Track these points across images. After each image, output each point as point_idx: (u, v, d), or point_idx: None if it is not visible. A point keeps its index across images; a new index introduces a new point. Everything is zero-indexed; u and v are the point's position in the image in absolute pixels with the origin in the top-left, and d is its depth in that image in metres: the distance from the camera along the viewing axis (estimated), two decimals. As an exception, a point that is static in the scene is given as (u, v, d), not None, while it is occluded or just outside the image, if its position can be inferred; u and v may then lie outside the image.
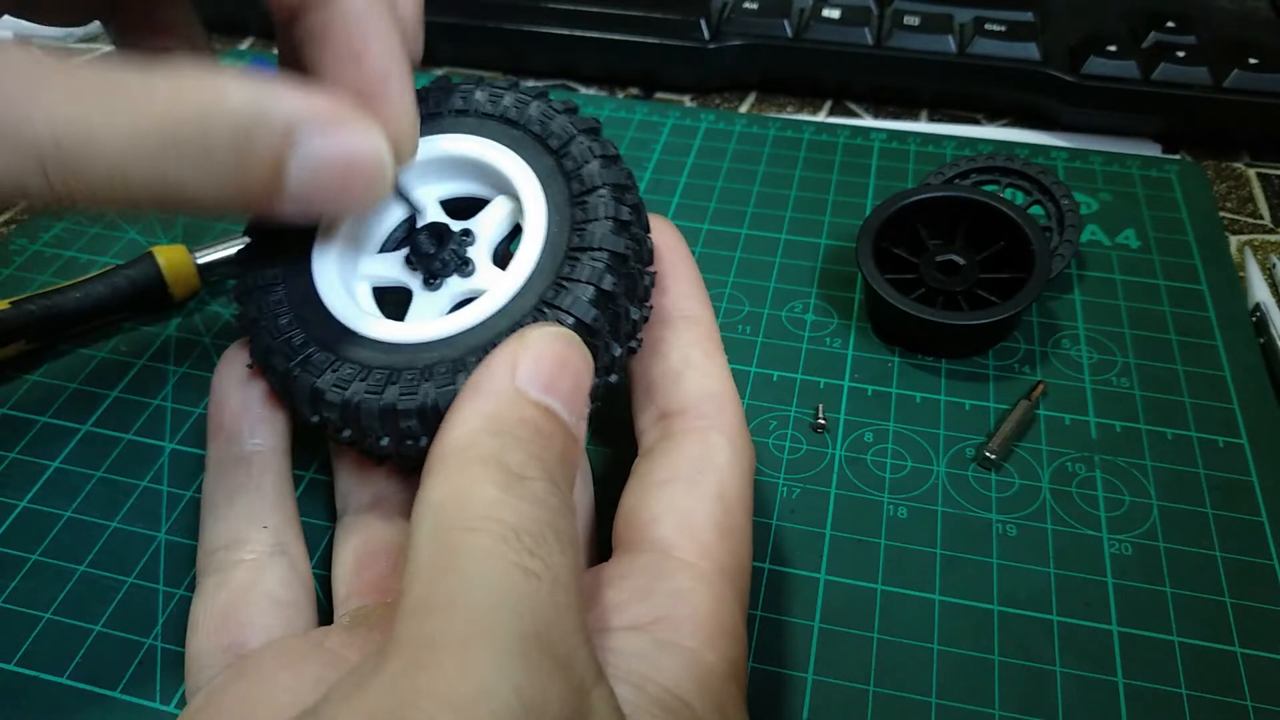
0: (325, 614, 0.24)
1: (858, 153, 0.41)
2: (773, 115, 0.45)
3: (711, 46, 0.45)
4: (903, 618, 0.25)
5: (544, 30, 0.46)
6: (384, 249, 0.26)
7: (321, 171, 0.20)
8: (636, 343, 0.23)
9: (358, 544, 0.24)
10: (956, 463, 0.29)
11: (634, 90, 0.47)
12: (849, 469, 0.29)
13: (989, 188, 0.37)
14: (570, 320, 0.21)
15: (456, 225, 0.24)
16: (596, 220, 0.22)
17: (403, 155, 0.23)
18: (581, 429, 0.20)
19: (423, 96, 0.26)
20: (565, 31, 0.46)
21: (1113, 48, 0.42)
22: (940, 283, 0.33)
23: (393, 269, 0.24)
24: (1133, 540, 0.27)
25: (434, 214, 0.25)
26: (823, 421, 0.30)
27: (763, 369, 0.32)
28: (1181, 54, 0.41)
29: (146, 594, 0.26)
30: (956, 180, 0.37)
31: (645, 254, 0.23)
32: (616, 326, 0.22)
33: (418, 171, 0.25)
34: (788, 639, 0.25)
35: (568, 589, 0.16)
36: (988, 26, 0.43)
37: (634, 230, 0.22)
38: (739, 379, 0.32)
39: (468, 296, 0.23)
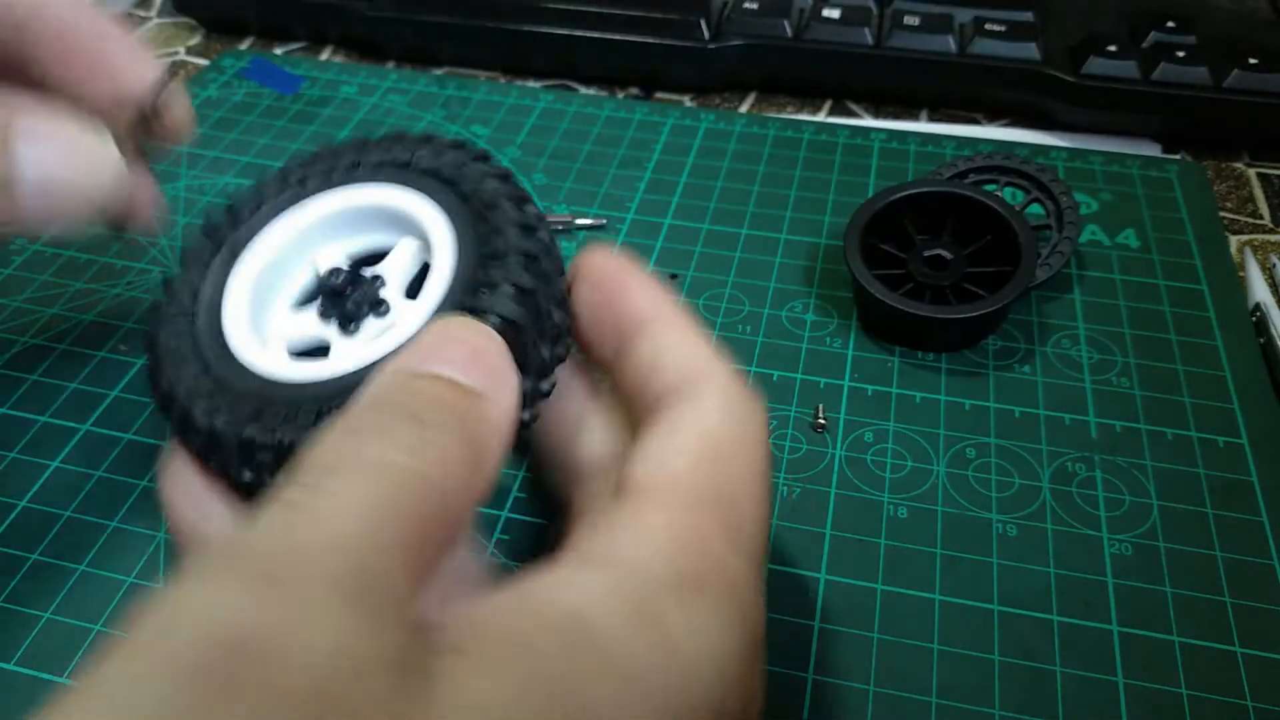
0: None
1: (858, 153, 0.41)
2: (773, 115, 0.45)
3: (711, 46, 0.45)
4: (903, 618, 0.25)
5: (544, 30, 0.46)
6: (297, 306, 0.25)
7: (51, 172, 0.23)
8: (565, 344, 0.22)
9: None
10: (956, 463, 0.29)
11: (634, 90, 0.47)
12: (849, 469, 0.29)
13: (989, 187, 0.37)
14: (495, 320, 0.20)
15: (367, 272, 0.24)
16: (502, 233, 0.22)
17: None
18: (496, 392, 0.18)
19: (316, 159, 0.26)
20: (565, 31, 0.46)
21: (1113, 48, 0.42)
22: (928, 277, 0.33)
23: (306, 325, 0.24)
24: (1133, 540, 0.27)
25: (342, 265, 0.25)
26: (823, 421, 0.30)
27: (763, 369, 0.32)
28: (1181, 54, 0.41)
29: (146, 594, 0.26)
30: (955, 179, 0.37)
31: (556, 256, 0.23)
32: (540, 325, 0.21)
33: (320, 228, 0.25)
34: (788, 639, 0.25)
35: (390, 528, 0.14)
36: (988, 26, 0.43)
37: (540, 235, 0.22)
38: (739, 379, 0.32)
39: (383, 332, 0.23)
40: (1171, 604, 0.26)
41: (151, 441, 0.30)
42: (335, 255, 0.25)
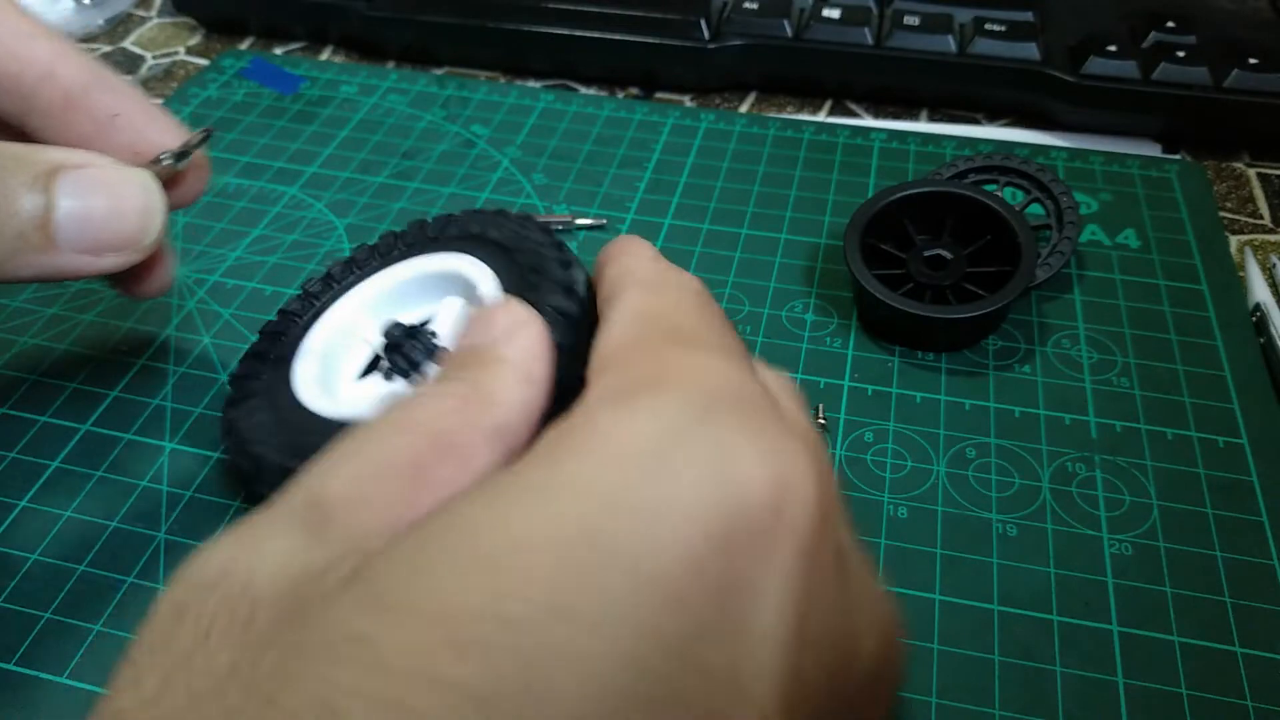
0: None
1: (858, 153, 0.41)
2: (773, 115, 0.45)
3: (711, 46, 0.45)
4: (903, 618, 0.25)
5: (544, 30, 0.46)
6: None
7: (92, 209, 0.23)
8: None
9: None
10: (956, 463, 0.29)
11: (634, 90, 0.47)
12: (849, 469, 0.29)
13: (989, 187, 0.37)
14: (549, 312, 0.21)
15: (419, 323, 0.27)
16: (540, 255, 0.24)
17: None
18: (507, 335, 0.19)
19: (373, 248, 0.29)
20: (565, 31, 0.46)
21: (1113, 48, 0.42)
22: (928, 277, 0.33)
23: (374, 389, 0.26)
24: (1133, 540, 0.27)
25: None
26: (823, 421, 0.30)
27: (763, 369, 0.32)
28: (1181, 54, 0.41)
29: (146, 594, 0.26)
30: (955, 179, 0.38)
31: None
32: (589, 319, 0.22)
33: (372, 303, 0.28)
34: (788, 639, 0.25)
35: (354, 465, 0.16)
36: (988, 26, 0.43)
37: (571, 260, 0.24)
38: (739, 379, 0.32)
39: None
40: (1171, 604, 0.26)
41: (151, 442, 0.30)
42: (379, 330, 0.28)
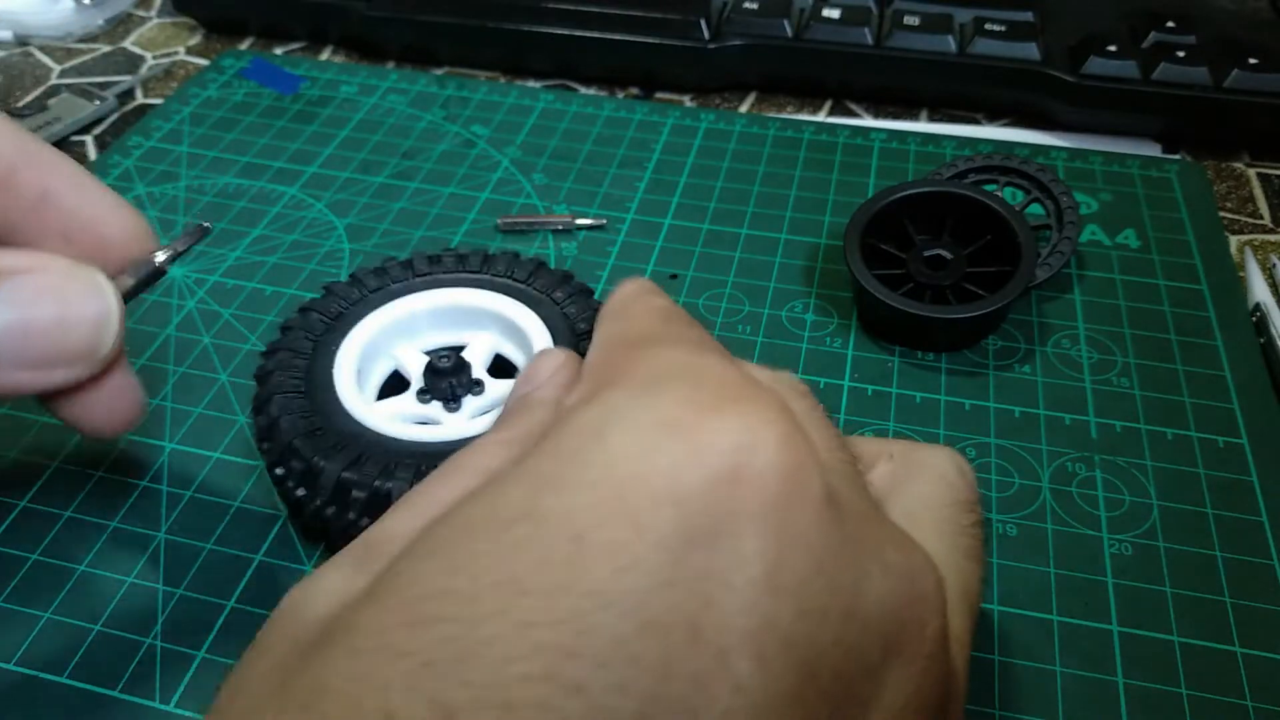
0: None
1: (858, 153, 0.41)
2: (773, 115, 0.45)
3: (711, 46, 0.45)
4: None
5: (544, 30, 0.46)
6: (379, 397, 0.29)
7: (36, 319, 0.20)
8: None
9: None
10: (956, 463, 0.29)
11: (634, 90, 0.47)
12: (849, 469, 0.29)
13: (989, 187, 0.37)
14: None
15: (450, 347, 0.29)
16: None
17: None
18: (541, 387, 0.21)
19: (374, 272, 0.30)
20: (565, 31, 0.46)
21: (1113, 48, 0.42)
22: (928, 277, 0.33)
23: (410, 408, 0.28)
24: (1133, 540, 0.27)
25: (420, 361, 0.29)
26: (823, 421, 0.30)
27: (763, 369, 0.32)
28: (1181, 54, 0.41)
29: (146, 594, 0.26)
30: (955, 179, 0.37)
31: None
32: None
33: (408, 322, 0.29)
34: (788, 639, 0.25)
35: (403, 514, 0.18)
36: (988, 26, 0.43)
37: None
38: (739, 379, 0.32)
39: (484, 411, 0.28)
40: (1171, 604, 0.26)
41: (151, 442, 0.30)
42: (413, 351, 0.30)
